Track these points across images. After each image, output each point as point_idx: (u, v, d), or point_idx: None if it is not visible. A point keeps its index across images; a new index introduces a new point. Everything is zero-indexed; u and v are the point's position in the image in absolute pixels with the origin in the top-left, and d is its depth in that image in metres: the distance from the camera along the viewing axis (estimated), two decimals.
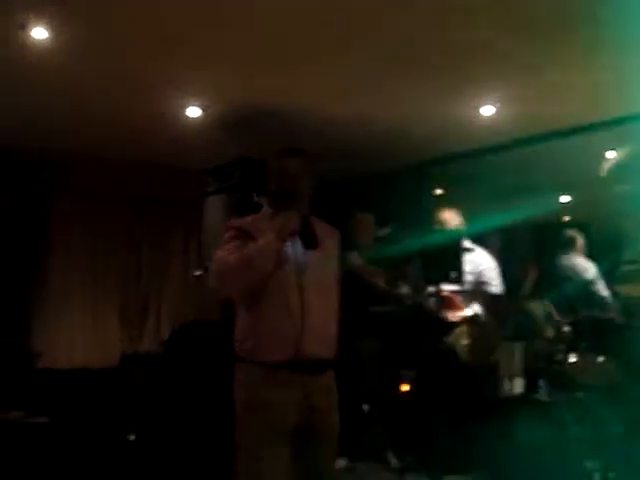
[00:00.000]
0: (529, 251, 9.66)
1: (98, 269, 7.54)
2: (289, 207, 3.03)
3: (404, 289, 5.33)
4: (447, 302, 5.38)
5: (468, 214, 5.77)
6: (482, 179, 8.03)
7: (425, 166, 7.57)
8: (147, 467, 5.87)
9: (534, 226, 9.69)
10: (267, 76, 5.30)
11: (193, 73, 5.29)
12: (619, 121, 5.95)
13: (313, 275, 3.03)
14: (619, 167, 5.85)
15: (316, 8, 4.22)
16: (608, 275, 6.19)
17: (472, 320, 5.40)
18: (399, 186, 7.73)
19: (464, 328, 5.37)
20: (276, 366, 2.92)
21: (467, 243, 5.58)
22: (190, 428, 5.90)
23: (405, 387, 6.33)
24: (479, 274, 5.53)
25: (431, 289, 5.42)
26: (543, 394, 4.85)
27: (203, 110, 6.00)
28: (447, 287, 5.36)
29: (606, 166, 6.47)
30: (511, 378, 5.29)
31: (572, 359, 4.88)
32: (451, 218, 5.58)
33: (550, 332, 5.13)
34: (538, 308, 5.89)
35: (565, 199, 9.34)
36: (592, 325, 5.02)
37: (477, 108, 5.90)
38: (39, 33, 4.51)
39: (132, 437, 6.32)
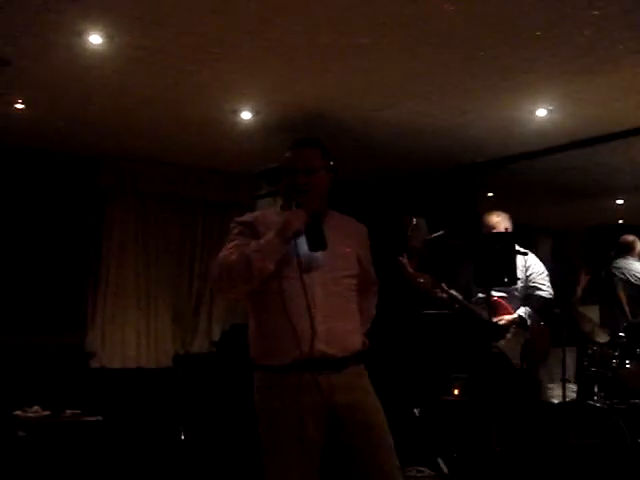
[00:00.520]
0: (582, 255, 9.55)
1: (151, 270, 7.61)
2: (298, 203, 2.88)
3: (454, 294, 5.29)
4: (497, 306, 5.33)
5: (519, 217, 5.72)
6: (535, 182, 7.96)
7: (478, 169, 7.52)
8: (197, 466, 5.93)
9: (587, 229, 9.57)
10: (318, 79, 5.31)
11: (245, 77, 5.32)
12: None
13: (323, 275, 2.88)
14: None
15: (370, 11, 4.21)
16: None
17: (520, 324, 5.35)
18: (451, 189, 7.69)
19: (515, 332, 5.33)
20: (283, 369, 2.82)
21: (517, 247, 5.53)
22: (240, 428, 5.93)
23: (456, 391, 6.31)
24: (528, 278, 5.48)
25: (480, 295, 5.39)
26: (597, 400, 4.78)
27: (255, 114, 6.04)
28: (496, 292, 5.31)
29: None
30: (564, 384, 5.24)
31: (627, 365, 4.80)
32: (500, 222, 5.53)
33: (604, 337, 5.06)
34: (592, 313, 5.83)
35: (619, 202, 9.21)
36: None
37: (532, 111, 5.84)
38: (95, 39, 4.58)
39: (183, 436, 6.38)
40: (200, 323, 7.88)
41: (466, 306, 5.31)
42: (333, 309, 2.86)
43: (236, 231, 3.02)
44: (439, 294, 5.19)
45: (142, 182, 7.49)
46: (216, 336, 7.71)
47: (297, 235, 2.81)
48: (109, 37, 4.56)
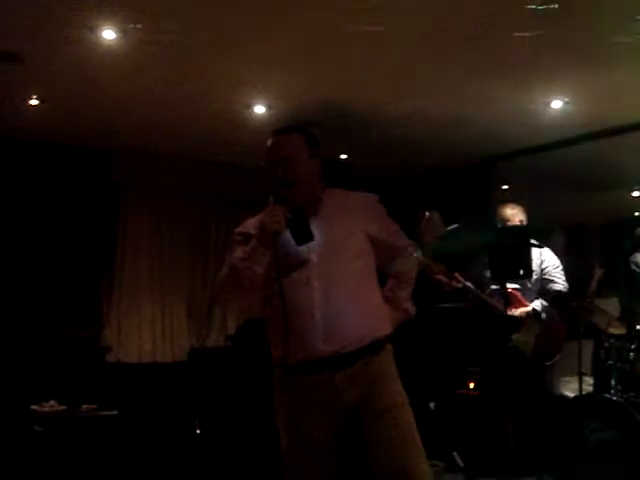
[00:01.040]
0: (598, 248, 9.50)
1: (166, 265, 7.63)
2: (280, 198, 2.80)
3: (468, 284, 5.28)
4: (511, 298, 5.32)
5: (535, 210, 5.69)
6: (551, 174, 7.91)
7: (493, 161, 7.49)
8: (213, 460, 5.94)
9: (604, 222, 9.51)
10: (332, 73, 5.30)
11: (258, 71, 5.31)
12: None
13: (322, 267, 2.77)
14: None
15: (385, 2, 4.19)
16: None
17: (534, 316, 5.33)
18: (466, 182, 7.67)
19: (529, 325, 5.31)
20: (290, 369, 2.79)
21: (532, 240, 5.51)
22: (255, 422, 5.94)
23: (471, 385, 6.29)
24: (543, 272, 5.46)
25: (494, 287, 5.37)
26: (614, 393, 4.75)
27: (268, 108, 6.03)
28: (511, 285, 5.30)
29: None
30: (580, 377, 5.21)
31: None
32: (515, 214, 5.51)
33: (621, 330, 5.03)
34: (609, 306, 5.79)
35: (635, 194, 9.15)
36: None
37: (547, 103, 5.81)
38: (109, 35, 4.58)
39: (198, 430, 6.40)
40: (215, 317, 7.89)
41: (480, 297, 5.30)
42: (334, 303, 2.73)
43: (235, 240, 2.97)
44: (453, 284, 5.18)
45: (156, 177, 7.50)
46: (231, 330, 7.72)
47: (277, 234, 2.69)
48: (122, 32, 4.57)
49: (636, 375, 4.79)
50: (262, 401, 5.99)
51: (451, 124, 6.34)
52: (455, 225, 5.22)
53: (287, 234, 2.74)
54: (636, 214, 9.97)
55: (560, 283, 5.45)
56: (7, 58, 4.88)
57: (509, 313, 5.24)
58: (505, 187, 8.43)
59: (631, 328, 4.90)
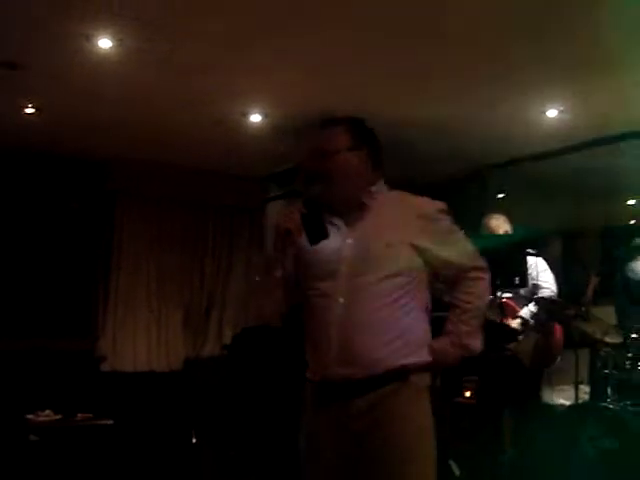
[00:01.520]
0: (594, 256, 9.50)
1: (162, 274, 7.63)
2: (308, 196, 2.49)
3: None
4: (505, 308, 5.32)
5: (530, 218, 5.70)
6: (547, 182, 7.92)
7: (489, 170, 7.49)
8: (208, 469, 5.92)
9: (600, 230, 9.52)
10: (328, 81, 5.30)
11: (254, 80, 5.32)
12: None
13: (349, 280, 2.48)
14: None
15: (382, 12, 4.20)
16: None
17: (525, 324, 5.33)
18: (462, 190, 7.67)
19: (527, 334, 5.31)
20: (315, 385, 2.56)
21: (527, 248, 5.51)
22: (251, 431, 5.93)
23: (468, 393, 6.29)
24: (532, 278, 5.46)
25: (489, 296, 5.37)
26: (610, 402, 4.75)
27: (264, 116, 6.04)
28: (505, 294, 5.30)
29: None
30: (577, 385, 5.21)
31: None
32: (499, 225, 5.51)
33: (617, 339, 5.03)
34: (605, 314, 5.79)
35: (631, 202, 9.16)
36: None
37: (543, 111, 5.82)
38: (105, 43, 4.59)
39: (194, 439, 6.38)
40: (211, 326, 7.89)
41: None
42: (354, 322, 2.42)
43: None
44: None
45: (151, 186, 7.51)
46: (227, 339, 7.71)
47: (289, 233, 2.42)
48: (119, 41, 4.58)
49: (632, 384, 4.78)
50: (258, 410, 5.99)
51: (447, 132, 6.34)
52: None
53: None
54: (631, 222, 9.98)
55: (547, 287, 5.44)
56: (3, 67, 4.88)
57: (505, 323, 5.25)
58: (501, 195, 8.44)
59: (627, 337, 4.89)
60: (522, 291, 5.42)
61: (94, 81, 5.23)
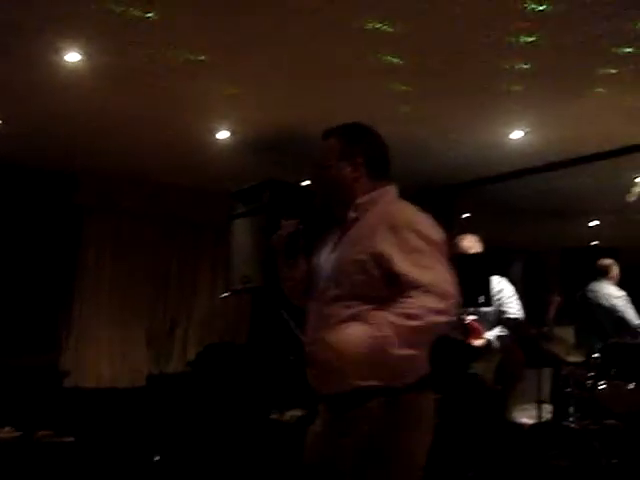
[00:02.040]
0: (556, 277, 9.60)
1: (127, 289, 7.58)
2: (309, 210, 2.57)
3: None
4: (470, 329, 5.35)
5: (494, 238, 5.74)
6: (511, 203, 8.01)
7: (453, 190, 7.55)
8: None
9: (561, 251, 9.63)
10: (296, 98, 5.33)
11: (222, 97, 5.33)
12: None
13: (321, 294, 2.44)
14: None
15: (348, 34, 4.24)
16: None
17: (489, 345, 5.36)
18: (428, 210, 7.71)
19: (490, 354, 5.34)
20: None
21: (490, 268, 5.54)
22: (214, 449, 5.89)
23: None
24: (499, 302, 5.49)
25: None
26: (573, 421, 4.80)
27: (232, 133, 6.04)
28: (469, 317, 5.33)
29: (635, 191, 6.45)
30: (540, 405, 5.25)
31: (601, 386, 4.81)
32: (471, 246, 5.55)
33: (579, 358, 5.08)
34: (566, 334, 5.85)
35: (593, 223, 9.29)
36: (622, 351, 4.96)
37: (508, 133, 5.89)
38: (73, 57, 4.57)
39: (157, 457, 6.32)
40: (175, 343, 7.84)
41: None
42: (320, 335, 2.28)
43: None
44: None
45: (119, 200, 7.47)
46: (191, 356, 7.66)
47: (278, 247, 2.52)
48: (87, 55, 4.56)
49: (594, 402, 4.83)
50: (221, 428, 5.95)
51: (413, 153, 6.38)
52: None
53: (325, 249, 2.52)
54: (594, 243, 10.12)
55: (514, 313, 5.47)
56: None
57: (469, 342, 5.27)
58: (466, 215, 8.51)
59: (588, 356, 4.95)
60: (487, 313, 5.45)
61: (62, 94, 5.20)
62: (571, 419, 4.82)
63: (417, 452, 2.43)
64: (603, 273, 6.47)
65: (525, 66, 4.61)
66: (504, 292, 5.51)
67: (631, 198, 6.50)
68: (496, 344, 5.38)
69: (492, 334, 5.40)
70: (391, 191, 2.59)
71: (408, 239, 2.35)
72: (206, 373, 6.71)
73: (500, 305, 5.45)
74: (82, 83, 5.00)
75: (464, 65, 4.65)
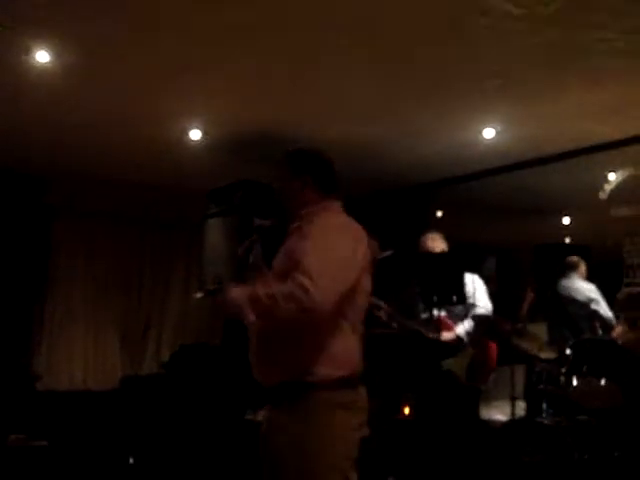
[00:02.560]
0: (528, 273, 9.67)
1: (99, 291, 7.53)
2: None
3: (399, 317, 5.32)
4: (440, 324, 5.37)
5: (468, 235, 5.77)
6: (483, 201, 8.05)
7: (428, 188, 7.58)
8: None
9: (534, 248, 9.70)
10: (268, 99, 5.32)
11: (194, 97, 5.31)
12: (620, 143, 5.97)
13: None
14: (618, 189, 5.85)
15: (318, 31, 4.23)
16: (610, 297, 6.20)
17: (461, 341, 5.39)
18: (401, 208, 7.74)
19: (462, 350, 5.37)
20: None
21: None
22: (189, 450, 5.87)
23: (406, 410, 6.31)
24: (471, 297, 5.52)
25: (424, 315, 5.43)
26: (546, 417, 4.82)
27: (204, 133, 6.02)
28: (441, 312, 5.35)
29: (607, 188, 6.52)
30: (513, 401, 5.27)
31: (574, 382, 4.84)
32: (436, 245, 5.56)
33: (551, 354, 5.11)
34: (538, 330, 5.88)
35: (566, 221, 9.36)
36: (594, 347, 4.99)
37: (480, 131, 5.91)
38: (42, 57, 4.53)
39: (132, 460, 6.29)
40: (149, 344, 7.81)
41: (404, 324, 5.34)
42: (261, 335, 2.64)
43: None
44: (376, 313, 5.21)
45: (90, 201, 7.42)
46: (165, 357, 7.64)
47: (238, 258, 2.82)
48: (56, 55, 4.53)
49: (567, 399, 4.86)
50: (196, 429, 5.93)
51: (386, 151, 6.40)
52: (389, 251, 5.26)
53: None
54: (567, 240, 10.20)
55: (482, 307, 5.50)
56: None
57: (440, 339, 5.30)
58: (440, 214, 8.54)
59: (561, 353, 4.98)
60: (457, 309, 5.48)
61: (31, 94, 5.16)
62: (544, 415, 4.84)
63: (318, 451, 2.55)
64: (572, 269, 6.56)
65: (497, 65, 4.63)
66: (474, 286, 5.54)
67: (603, 196, 6.57)
68: (466, 339, 5.41)
69: (462, 329, 5.43)
70: (334, 205, 2.84)
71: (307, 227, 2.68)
72: (180, 374, 6.69)
73: (469, 298, 5.48)
74: (53, 83, 4.95)
75: (436, 64, 4.66)
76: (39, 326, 7.17)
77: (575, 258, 6.68)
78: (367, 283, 2.75)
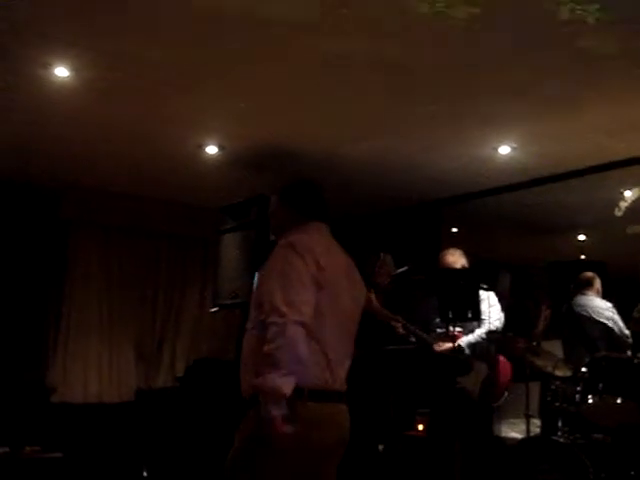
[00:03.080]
0: (544, 290, 9.62)
1: (114, 305, 7.55)
2: None
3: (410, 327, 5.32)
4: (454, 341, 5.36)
5: (483, 252, 5.76)
6: (498, 218, 8.03)
7: (443, 204, 7.57)
8: None
9: (549, 265, 9.65)
10: (284, 114, 5.34)
11: (211, 112, 5.34)
12: (636, 161, 5.95)
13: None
14: (634, 206, 5.82)
15: (336, 50, 4.26)
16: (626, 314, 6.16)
17: (458, 352, 5.35)
18: (417, 224, 7.73)
19: (476, 367, 5.35)
20: None
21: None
22: (202, 464, 5.87)
23: (420, 427, 6.30)
24: (484, 314, 5.50)
25: (439, 330, 5.42)
26: (561, 435, 4.80)
27: (220, 148, 6.05)
28: (457, 328, 5.34)
29: (622, 205, 6.49)
30: (528, 419, 5.25)
31: (589, 400, 4.81)
32: (456, 261, 5.56)
33: (567, 372, 5.09)
34: (553, 348, 5.86)
35: (581, 238, 9.31)
36: (609, 365, 4.96)
37: (496, 148, 5.91)
38: (61, 72, 4.58)
39: (145, 473, 6.30)
40: (163, 358, 7.81)
41: (421, 337, 5.34)
42: (242, 349, 2.89)
43: None
44: (394, 325, 5.22)
45: (105, 215, 7.44)
46: (180, 371, 7.65)
47: None
48: (75, 70, 4.57)
49: (582, 417, 4.84)
50: (210, 442, 5.93)
51: (402, 167, 6.40)
52: (405, 267, 5.26)
53: None
54: (582, 257, 10.15)
55: (493, 322, 5.47)
56: None
57: (436, 348, 5.31)
58: (454, 230, 8.53)
59: (577, 370, 4.95)
60: (472, 325, 5.46)
61: (50, 109, 5.20)
62: (559, 433, 4.82)
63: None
64: (587, 286, 6.46)
65: (514, 82, 4.64)
66: (490, 305, 5.53)
67: (619, 213, 6.53)
68: (468, 350, 5.38)
69: (464, 340, 5.40)
70: (314, 226, 3.03)
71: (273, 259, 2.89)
72: (195, 388, 6.69)
73: (484, 314, 5.47)
74: (71, 98, 5.00)
75: (453, 80, 4.68)
76: (54, 339, 7.19)
77: (590, 274, 6.58)
78: (346, 302, 2.92)
